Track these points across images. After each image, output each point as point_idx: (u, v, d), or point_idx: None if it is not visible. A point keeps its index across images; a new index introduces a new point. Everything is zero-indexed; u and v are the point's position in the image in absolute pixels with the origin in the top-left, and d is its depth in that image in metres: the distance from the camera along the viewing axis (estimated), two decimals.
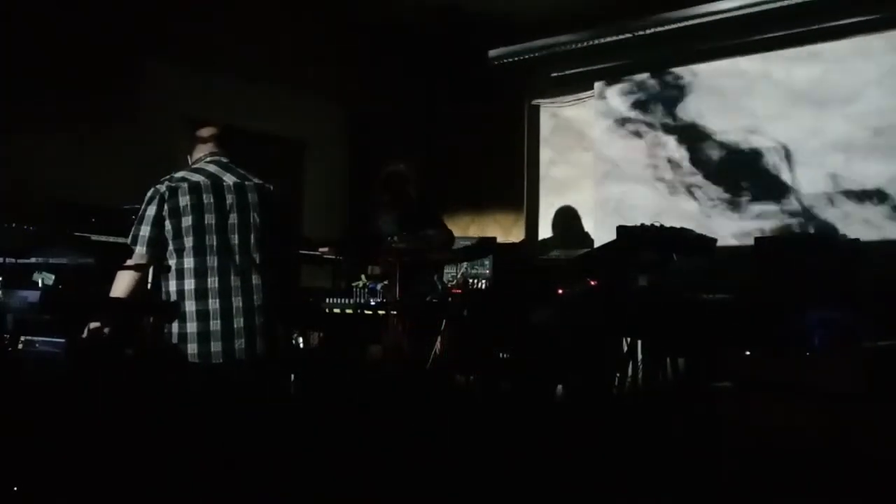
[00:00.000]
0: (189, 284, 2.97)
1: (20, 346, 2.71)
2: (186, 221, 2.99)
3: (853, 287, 4.41)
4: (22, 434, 2.58)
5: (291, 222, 3.32)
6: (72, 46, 5.23)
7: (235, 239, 3.05)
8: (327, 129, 7.16)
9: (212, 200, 3.03)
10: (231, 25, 6.19)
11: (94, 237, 3.98)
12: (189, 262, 2.98)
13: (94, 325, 2.87)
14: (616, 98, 6.72)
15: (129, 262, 3.02)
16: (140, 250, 2.99)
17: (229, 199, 3.07)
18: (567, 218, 6.66)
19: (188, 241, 2.98)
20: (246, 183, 3.14)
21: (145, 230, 2.99)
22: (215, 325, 2.94)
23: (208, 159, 3.17)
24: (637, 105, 6.59)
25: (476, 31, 6.85)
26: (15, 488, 2.50)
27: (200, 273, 2.97)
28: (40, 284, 3.03)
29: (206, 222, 3.00)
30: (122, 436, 2.73)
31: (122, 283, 2.97)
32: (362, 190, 5.43)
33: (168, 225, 2.98)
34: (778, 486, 2.18)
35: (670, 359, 4.30)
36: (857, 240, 4.80)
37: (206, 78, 6.10)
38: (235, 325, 2.97)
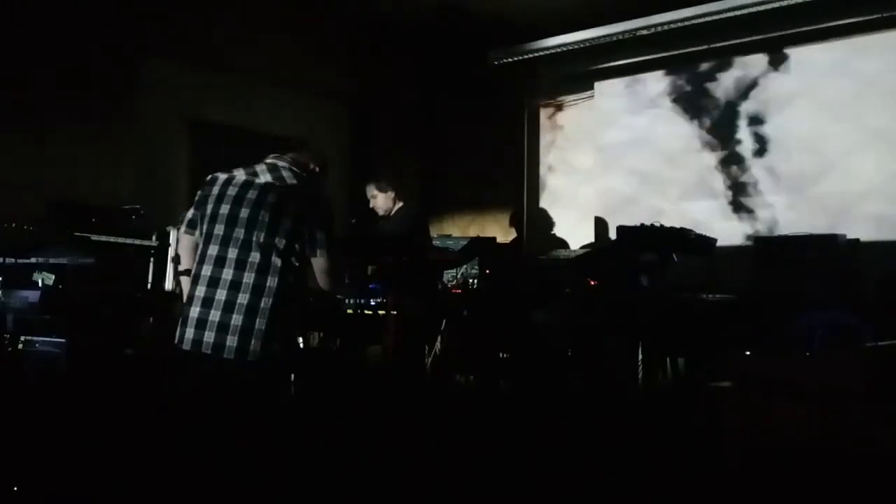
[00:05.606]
0: (195, 269, 2.99)
1: (20, 346, 2.71)
2: (207, 210, 3.00)
3: (853, 287, 4.41)
4: (22, 434, 2.58)
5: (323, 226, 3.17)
6: (72, 46, 5.23)
7: (242, 233, 3.01)
8: (328, 127, 7.16)
9: (235, 192, 3.00)
10: (231, 25, 6.19)
11: (94, 237, 3.98)
12: (201, 249, 3.00)
13: None
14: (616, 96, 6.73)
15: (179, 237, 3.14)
16: (181, 229, 3.11)
17: (251, 194, 3.00)
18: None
19: (204, 229, 3.00)
20: (277, 184, 3.05)
21: (189, 212, 3.10)
22: (194, 311, 2.88)
23: (267, 159, 3.14)
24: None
25: (476, 31, 6.85)
26: (15, 488, 2.50)
27: (202, 259, 2.98)
28: (40, 284, 3.04)
29: (220, 212, 2.98)
30: (121, 435, 2.74)
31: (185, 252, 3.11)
32: (362, 189, 5.45)
33: (200, 211, 3.05)
34: (778, 486, 2.18)
35: (670, 359, 4.30)
36: (857, 240, 4.80)
37: (207, 78, 6.10)
38: (210, 317, 2.87)
